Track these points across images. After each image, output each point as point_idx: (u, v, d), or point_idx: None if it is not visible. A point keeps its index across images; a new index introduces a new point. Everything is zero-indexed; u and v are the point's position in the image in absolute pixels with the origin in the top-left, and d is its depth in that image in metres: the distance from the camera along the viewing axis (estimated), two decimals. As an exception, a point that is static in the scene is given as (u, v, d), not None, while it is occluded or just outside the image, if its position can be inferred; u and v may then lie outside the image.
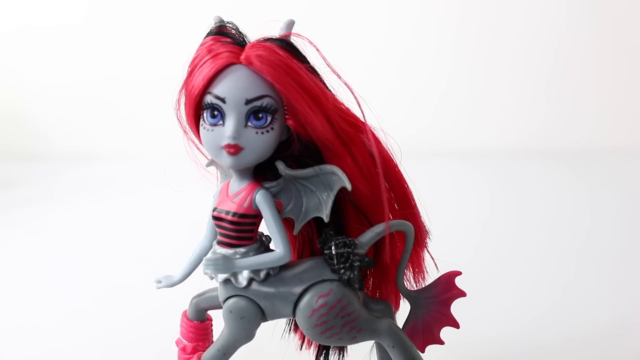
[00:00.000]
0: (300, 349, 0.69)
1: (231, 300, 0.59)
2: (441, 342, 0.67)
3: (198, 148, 0.61)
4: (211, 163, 0.64)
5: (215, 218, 0.59)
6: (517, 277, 1.09)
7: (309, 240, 0.65)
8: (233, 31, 0.56)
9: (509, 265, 1.15)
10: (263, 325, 0.61)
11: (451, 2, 2.58)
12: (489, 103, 2.59)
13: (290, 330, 0.69)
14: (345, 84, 0.58)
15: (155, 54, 2.42)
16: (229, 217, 0.57)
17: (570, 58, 2.61)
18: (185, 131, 0.60)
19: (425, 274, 0.66)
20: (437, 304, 0.65)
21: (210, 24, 0.57)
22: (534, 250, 1.24)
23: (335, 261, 0.58)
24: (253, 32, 0.56)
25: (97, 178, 2.05)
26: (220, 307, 0.61)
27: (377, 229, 0.60)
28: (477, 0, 2.58)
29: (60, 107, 2.55)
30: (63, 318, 0.95)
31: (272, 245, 0.60)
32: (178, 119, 0.59)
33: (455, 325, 0.66)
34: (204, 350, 0.63)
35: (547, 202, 1.66)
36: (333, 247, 0.58)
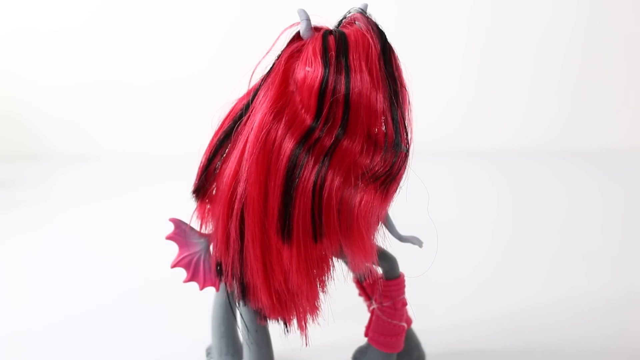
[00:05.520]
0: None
1: None
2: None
3: None
4: None
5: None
6: (526, 278, 1.07)
7: None
8: None
9: (518, 266, 1.14)
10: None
11: (461, 1, 2.56)
12: (499, 102, 2.57)
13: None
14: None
15: (153, 56, 2.41)
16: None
17: (582, 57, 2.58)
18: None
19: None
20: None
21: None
22: (544, 251, 1.22)
23: None
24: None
25: (95, 178, 2.04)
26: None
27: None
28: (487, -1, 2.56)
29: (59, 108, 2.54)
30: (61, 319, 0.94)
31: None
32: None
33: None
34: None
35: (557, 203, 1.64)
36: None
